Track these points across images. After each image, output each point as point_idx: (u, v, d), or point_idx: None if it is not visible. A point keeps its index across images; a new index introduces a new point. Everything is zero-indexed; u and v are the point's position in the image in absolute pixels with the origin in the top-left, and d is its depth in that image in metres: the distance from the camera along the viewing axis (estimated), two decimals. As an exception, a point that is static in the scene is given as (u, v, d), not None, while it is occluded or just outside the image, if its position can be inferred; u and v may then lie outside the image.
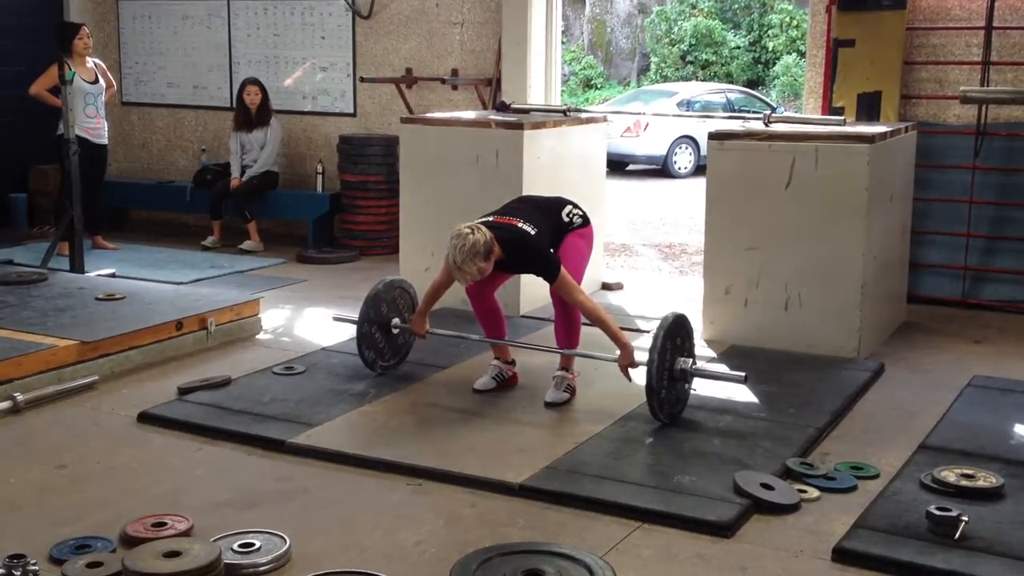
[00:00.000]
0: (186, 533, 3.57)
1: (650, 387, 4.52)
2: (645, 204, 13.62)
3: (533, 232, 4.74)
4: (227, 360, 5.70)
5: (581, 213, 5.08)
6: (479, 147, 6.54)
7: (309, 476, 4.15)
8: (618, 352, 4.76)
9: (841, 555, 3.50)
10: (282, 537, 3.52)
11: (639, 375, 4.67)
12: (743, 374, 4.73)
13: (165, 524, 3.60)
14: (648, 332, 6.29)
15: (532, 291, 6.32)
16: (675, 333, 4.65)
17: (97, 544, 3.51)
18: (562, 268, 4.69)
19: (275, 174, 9.06)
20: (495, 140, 6.51)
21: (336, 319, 5.74)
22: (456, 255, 4.53)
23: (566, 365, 5.00)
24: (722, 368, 5.15)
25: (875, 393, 5.23)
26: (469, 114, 7.24)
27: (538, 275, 4.81)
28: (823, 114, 6.90)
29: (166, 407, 4.86)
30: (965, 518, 3.55)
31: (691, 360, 4.70)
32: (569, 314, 4.89)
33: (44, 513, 3.81)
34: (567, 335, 4.95)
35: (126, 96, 10.10)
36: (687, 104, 18.27)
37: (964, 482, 3.93)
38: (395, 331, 5.33)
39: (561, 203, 5.09)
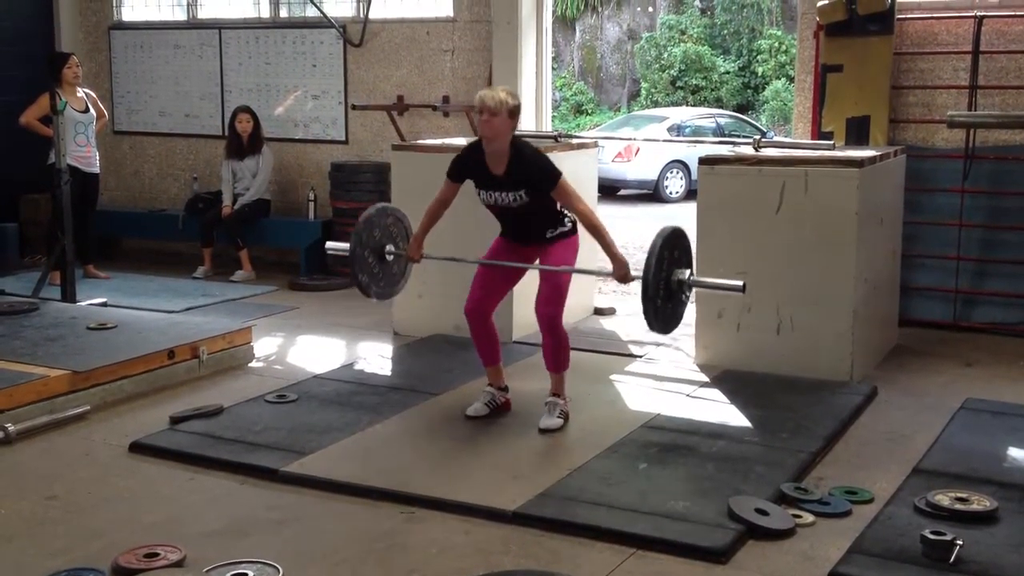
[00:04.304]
0: (178, 563, 3.55)
1: (646, 292, 4.48)
2: (637, 229, 13.63)
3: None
4: (219, 389, 5.69)
5: (573, 218, 5.05)
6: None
7: (302, 505, 4.14)
8: (611, 268, 4.77)
9: (836, 580, 3.49)
10: (275, 567, 3.50)
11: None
12: (741, 283, 4.71)
13: (157, 554, 3.59)
14: (641, 357, 6.30)
15: (524, 317, 6.30)
16: (673, 245, 4.62)
17: (89, 575, 3.48)
18: (562, 176, 4.74)
19: (267, 202, 9.07)
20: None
21: (329, 249, 5.68)
22: (487, 89, 4.78)
23: (558, 391, 4.99)
24: (720, 280, 5.08)
25: (868, 417, 5.23)
26: (460, 141, 7.25)
27: (540, 184, 4.77)
28: (812, 139, 6.94)
29: (158, 436, 4.85)
30: (959, 542, 3.54)
31: (688, 271, 4.67)
32: (558, 339, 4.89)
33: (35, 544, 3.78)
34: (555, 359, 4.94)
35: (118, 125, 10.11)
36: (677, 129, 18.35)
37: (958, 506, 3.93)
38: (389, 257, 5.22)
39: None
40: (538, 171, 4.80)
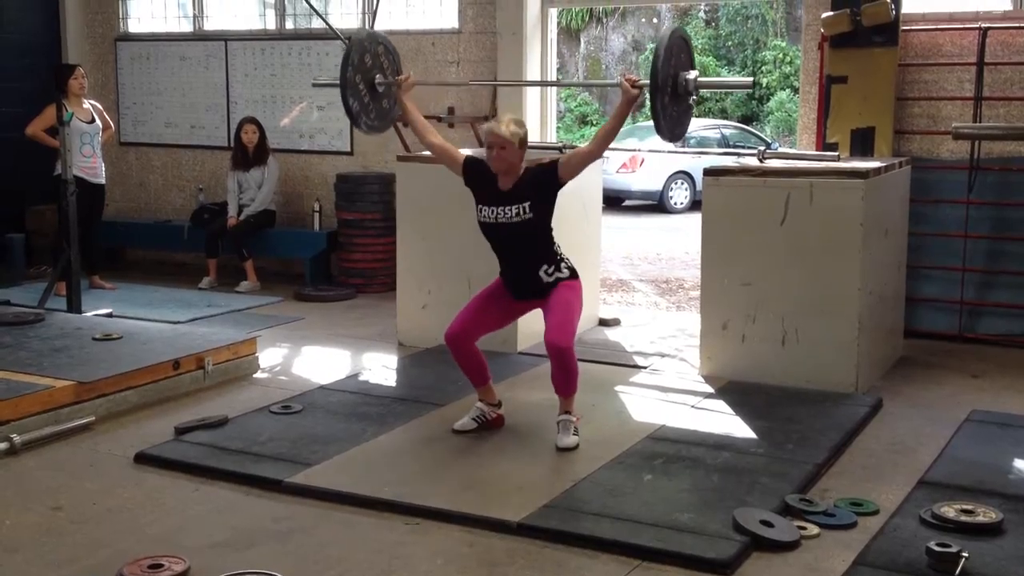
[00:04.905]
0: (182, 574, 3.55)
1: (655, 82, 4.50)
2: (641, 239, 13.65)
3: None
4: (224, 399, 5.69)
5: (569, 265, 4.99)
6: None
7: (306, 516, 4.14)
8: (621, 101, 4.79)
9: (841, 592, 3.48)
10: (279, 578, 3.50)
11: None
12: (750, 79, 4.78)
13: (162, 565, 3.59)
14: (646, 368, 6.30)
15: (530, 327, 6.31)
16: (680, 47, 4.66)
17: (93, 586, 3.49)
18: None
19: (272, 213, 9.09)
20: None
21: (316, 83, 5.80)
22: (503, 119, 4.78)
23: (568, 408, 4.90)
24: (727, 79, 5.22)
25: (873, 428, 5.22)
26: (465, 151, 7.26)
27: (545, 175, 4.82)
28: (817, 150, 6.94)
29: (163, 447, 4.85)
30: (965, 554, 3.53)
31: (695, 72, 4.71)
32: (569, 369, 4.79)
33: (40, 555, 3.78)
34: (566, 386, 4.83)
35: (124, 136, 10.14)
36: (682, 140, 18.32)
37: (964, 518, 3.92)
38: (379, 88, 5.14)
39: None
40: (541, 169, 4.87)
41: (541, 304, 4.91)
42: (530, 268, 4.88)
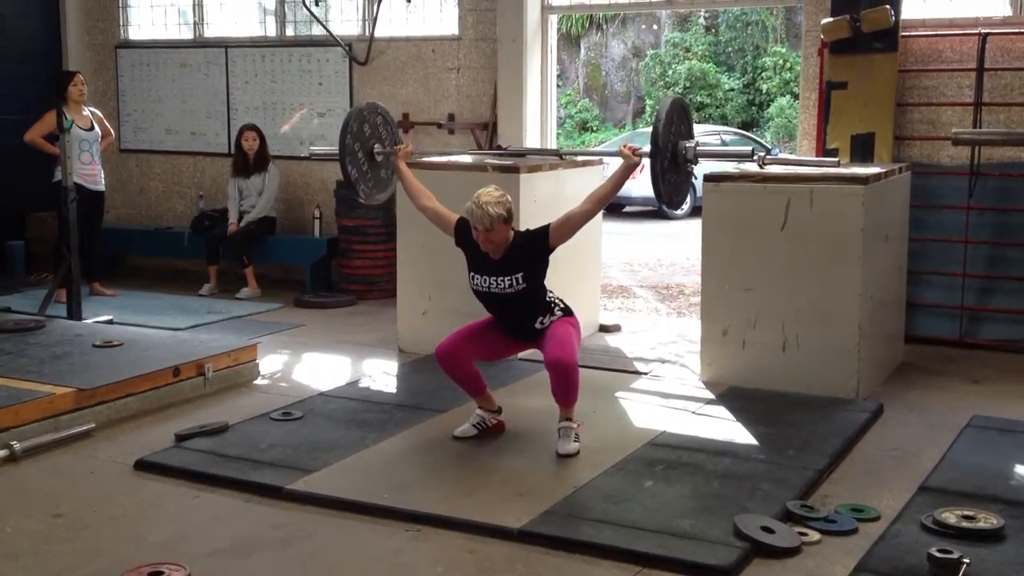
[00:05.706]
0: (183, 582, 3.55)
1: (656, 145, 4.60)
2: (642, 245, 13.66)
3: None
4: (224, 406, 5.69)
5: (562, 306, 4.99)
6: (475, 191, 6.54)
7: (307, 523, 4.13)
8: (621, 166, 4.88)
9: (843, 599, 3.47)
10: (280, 585, 3.50)
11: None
12: (750, 148, 4.83)
13: (162, 573, 3.58)
14: (647, 374, 6.30)
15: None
16: (681, 118, 4.74)
17: (93, 594, 3.49)
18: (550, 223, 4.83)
19: (273, 219, 9.10)
20: (491, 184, 6.51)
21: (313, 153, 5.90)
22: (484, 197, 4.65)
23: (569, 415, 4.88)
24: (728, 148, 5.30)
25: (874, 434, 5.22)
26: (466, 158, 7.27)
27: (537, 242, 4.81)
28: (817, 155, 6.95)
29: (163, 454, 4.84)
30: (966, 560, 3.53)
31: (694, 141, 4.74)
32: (566, 376, 4.76)
33: (41, 563, 3.78)
34: (566, 397, 4.82)
35: (124, 143, 10.15)
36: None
37: (965, 523, 3.91)
38: (378, 158, 5.23)
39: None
40: (532, 237, 4.84)
41: (537, 345, 4.93)
42: (525, 322, 4.91)
